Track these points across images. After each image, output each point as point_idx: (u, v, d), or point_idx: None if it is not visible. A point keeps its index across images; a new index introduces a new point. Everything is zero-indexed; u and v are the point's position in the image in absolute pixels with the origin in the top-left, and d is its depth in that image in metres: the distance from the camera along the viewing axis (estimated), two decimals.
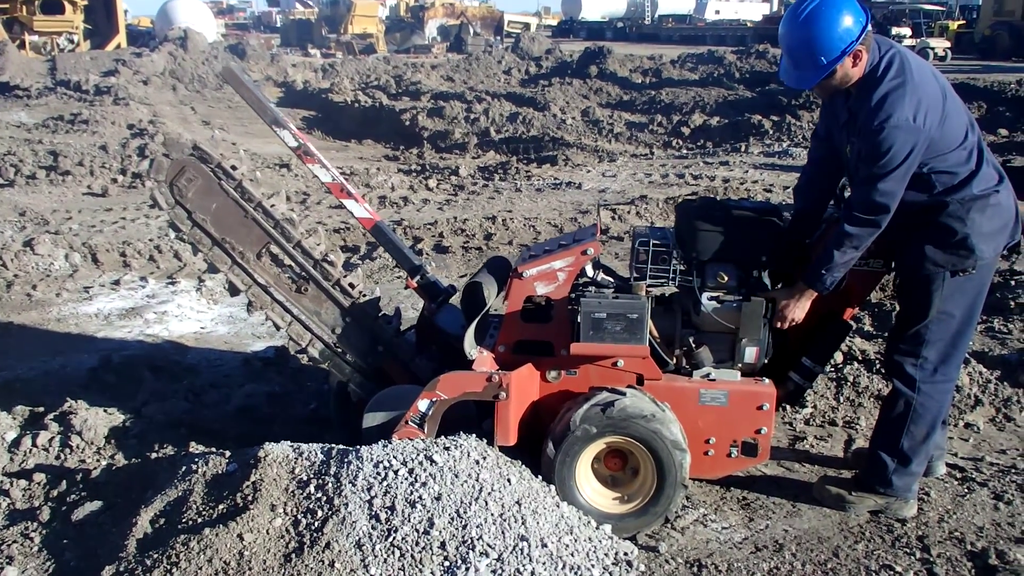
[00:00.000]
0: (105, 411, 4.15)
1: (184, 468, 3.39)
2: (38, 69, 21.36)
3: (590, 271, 3.68)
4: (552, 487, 3.36)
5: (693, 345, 3.62)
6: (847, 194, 3.66)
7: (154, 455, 3.81)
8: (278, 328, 3.79)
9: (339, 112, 18.19)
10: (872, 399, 4.65)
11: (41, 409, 4.22)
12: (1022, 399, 4.66)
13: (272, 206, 3.70)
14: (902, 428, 3.57)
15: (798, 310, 3.52)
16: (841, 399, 4.68)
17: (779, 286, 3.72)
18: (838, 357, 4.98)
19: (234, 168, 3.65)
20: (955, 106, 3.39)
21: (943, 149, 3.33)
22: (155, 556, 2.93)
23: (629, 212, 8.72)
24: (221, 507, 3.12)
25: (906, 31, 32.84)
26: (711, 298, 3.57)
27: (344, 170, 11.62)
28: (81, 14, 27.97)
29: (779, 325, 3.57)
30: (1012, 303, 6.04)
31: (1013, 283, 6.40)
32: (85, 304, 6.33)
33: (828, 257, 3.38)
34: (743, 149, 13.35)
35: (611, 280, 3.71)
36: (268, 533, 2.99)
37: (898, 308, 3.73)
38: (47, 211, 8.87)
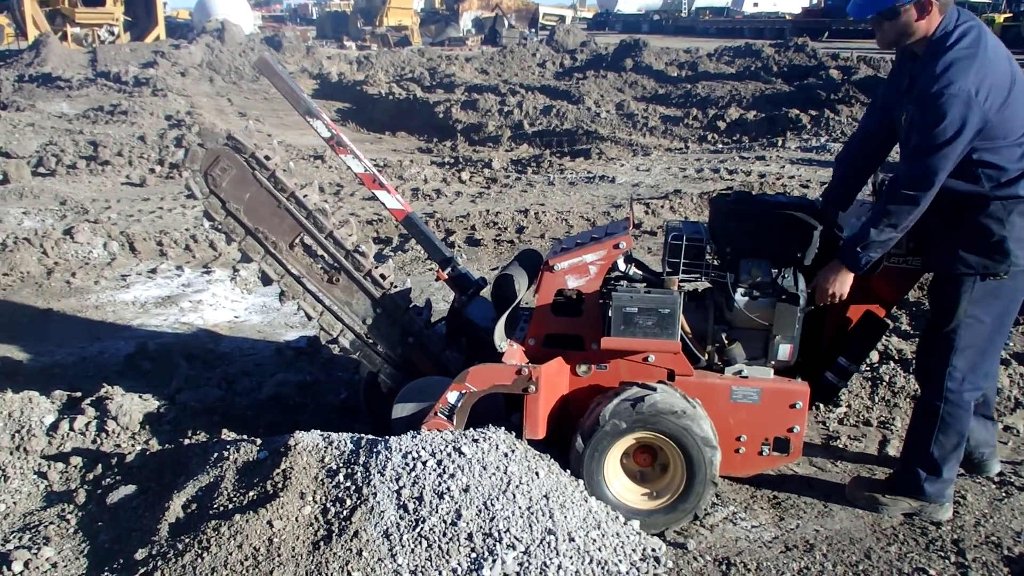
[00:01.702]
0: (140, 397, 4.21)
1: (216, 455, 3.43)
2: (79, 61, 21.64)
3: (622, 265, 3.66)
4: (580, 482, 3.35)
5: (725, 341, 3.59)
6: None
7: (187, 441, 3.86)
8: (310, 318, 3.82)
9: (373, 104, 18.25)
10: (908, 399, 4.59)
11: (79, 394, 4.29)
12: None
13: (305, 196, 3.73)
14: (931, 438, 3.52)
15: (837, 285, 3.45)
16: (876, 399, 4.62)
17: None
18: (874, 356, 4.93)
19: (268, 158, 3.68)
20: (1021, 97, 3.26)
21: (998, 137, 3.21)
22: (186, 540, 2.97)
23: (663, 206, 8.67)
24: (251, 494, 3.16)
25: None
26: (744, 294, 3.53)
27: (377, 162, 11.67)
28: (121, 6, 28.28)
29: (820, 302, 3.52)
30: None
31: None
32: (122, 292, 6.43)
33: (864, 234, 3.32)
34: (780, 144, 13.17)
35: (643, 274, 3.69)
36: (297, 520, 3.02)
37: (931, 312, 3.67)
38: (87, 200, 9.02)
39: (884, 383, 4.68)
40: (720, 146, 13.64)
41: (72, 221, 7.95)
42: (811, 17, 45.44)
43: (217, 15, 31.23)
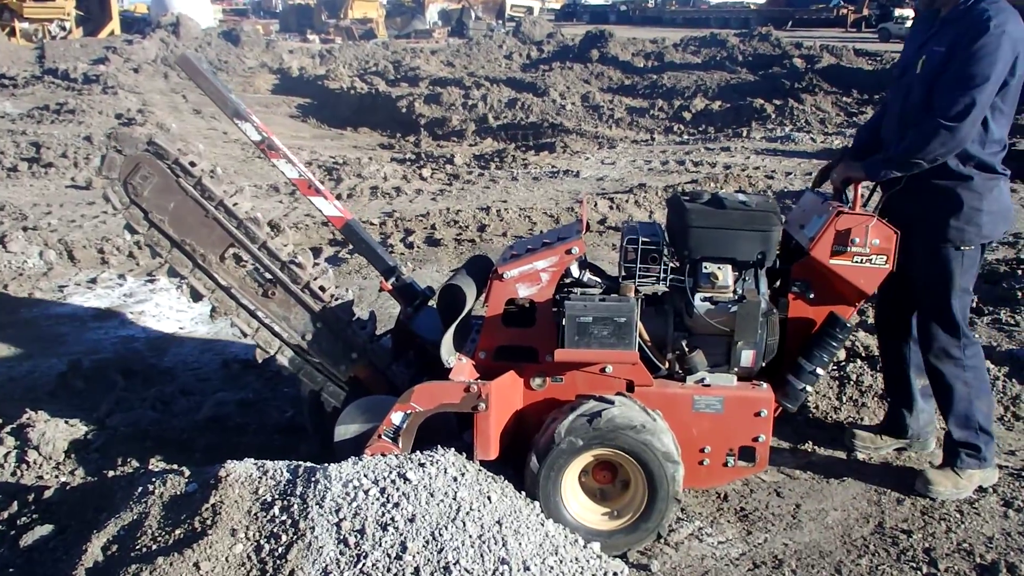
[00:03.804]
0: (67, 423, 3.95)
1: (140, 488, 3.17)
2: (26, 57, 21.08)
3: (576, 271, 3.46)
4: (536, 504, 3.15)
5: (686, 349, 3.40)
6: (850, 193, 3.59)
7: (112, 473, 3.61)
8: (245, 335, 3.59)
9: (335, 99, 17.95)
10: (876, 398, 4.46)
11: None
12: None
13: (235, 205, 3.49)
14: (971, 408, 3.62)
15: (851, 172, 3.58)
16: (844, 399, 4.48)
17: (775, 285, 3.56)
18: (840, 355, 4.78)
19: (193, 164, 3.44)
20: None
21: (1005, 102, 3.37)
22: None
23: (627, 201, 8.50)
24: (178, 532, 2.91)
25: (908, 12, 32.47)
26: (704, 299, 3.35)
27: (336, 159, 11.41)
28: (73, 0, 27.64)
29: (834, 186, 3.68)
30: (1020, 293, 5.86)
31: (1020, 272, 6.22)
32: (58, 304, 6.11)
33: (896, 154, 3.41)
34: (745, 134, 13.11)
35: (598, 280, 3.49)
36: (228, 561, 2.78)
37: (921, 295, 3.66)
38: (27, 205, 8.64)
39: (851, 382, 4.54)
40: (686, 137, 13.54)
41: (8, 228, 7.60)
42: (775, 6, 45.62)
43: (175, 9, 30.59)
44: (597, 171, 10.70)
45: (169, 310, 6.08)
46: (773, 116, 14.26)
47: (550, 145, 12.35)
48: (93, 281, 6.56)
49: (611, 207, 8.38)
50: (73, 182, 9.79)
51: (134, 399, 4.43)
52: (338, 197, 9.26)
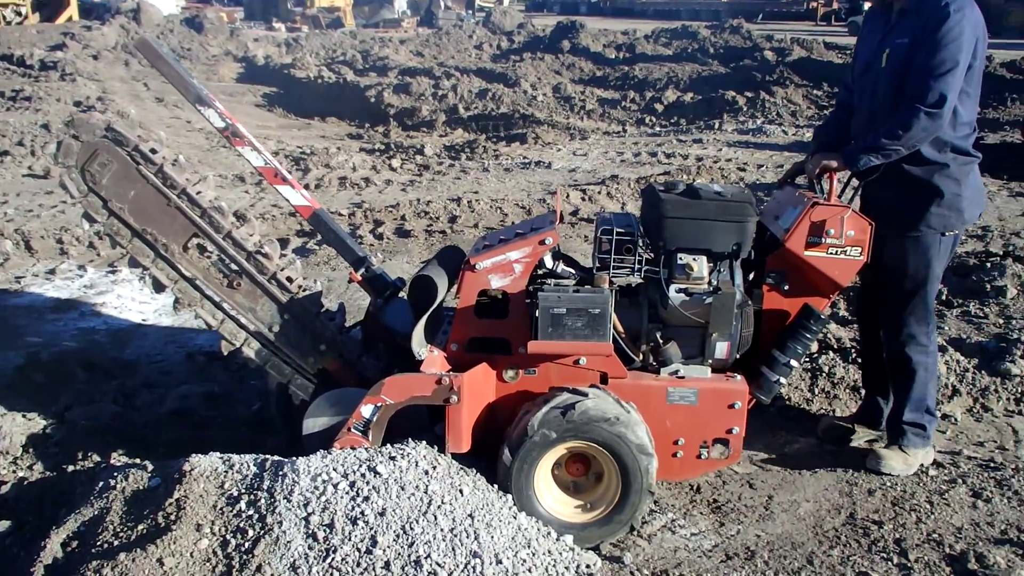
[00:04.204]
0: (24, 416, 3.87)
1: (101, 484, 3.10)
2: None
3: (549, 262, 3.43)
4: (509, 497, 3.13)
5: (660, 340, 3.40)
6: (825, 185, 3.57)
7: (72, 468, 3.53)
8: (210, 327, 3.52)
9: (302, 88, 17.70)
10: (849, 390, 4.50)
11: None
12: (999, 388, 4.51)
13: (199, 193, 3.43)
14: (925, 392, 3.75)
15: (828, 161, 3.56)
16: (816, 391, 4.52)
17: (749, 277, 3.55)
18: (813, 346, 4.80)
19: (154, 151, 3.37)
20: (984, 53, 3.51)
21: (970, 84, 3.44)
22: None
23: (600, 192, 8.49)
24: (141, 527, 2.85)
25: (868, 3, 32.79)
26: (679, 290, 3.34)
27: (304, 149, 11.28)
28: None
29: (809, 176, 3.69)
30: (988, 286, 5.93)
31: (989, 265, 6.28)
32: (16, 295, 5.97)
33: (875, 141, 3.42)
34: (717, 126, 13.15)
35: (572, 271, 3.47)
36: (192, 556, 2.73)
37: (895, 283, 3.69)
38: None
39: (824, 374, 4.57)
40: (658, 129, 13.55)
41: None
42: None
43: None
44: (569, 162, 10.68)
45: (131, 301, 5.96)
46: (745, 108, 14.32)
47: (521, 136, 12.30)
48: (52, 272, 6.42)
49: (583, 198, 8.36)
50: (30, 171, 9.58)
51: (95, 392, 4.34)
52: (306, 188, 9.12)
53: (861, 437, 4.07)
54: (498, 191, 8.98)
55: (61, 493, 3.27)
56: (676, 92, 15.89)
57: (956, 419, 4.31)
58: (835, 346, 4.87)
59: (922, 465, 3.84)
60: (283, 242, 7.23)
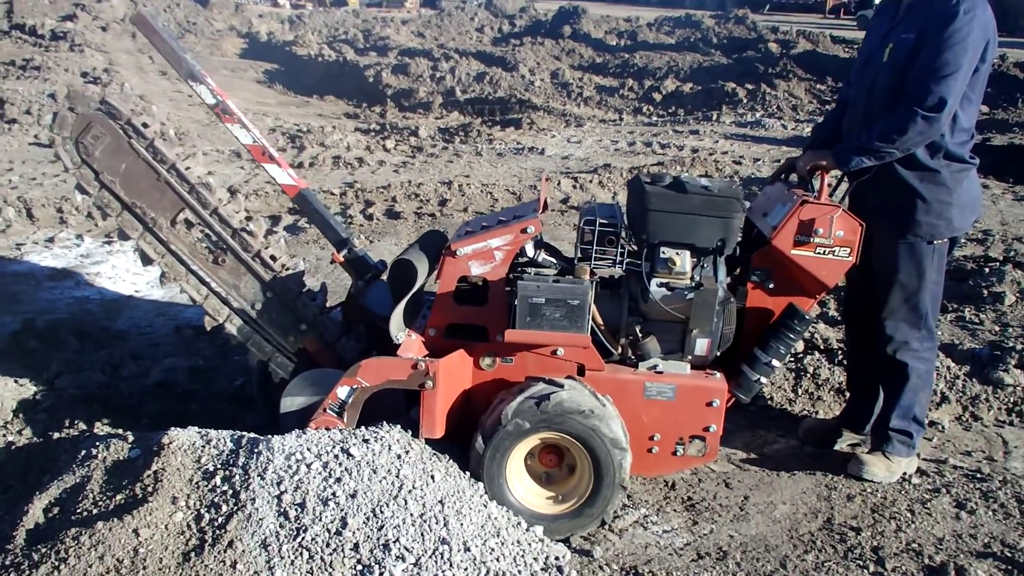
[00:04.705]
0: (16, 382, 3.90)
1: (84, 452, 3.12)
2: None
3: (531, 250, 3.42)
4: (480, 485, 3.15)
5: (640, 334, 3.40)
6: (816, 182, 3.53)
7: (57, 435, 3.55)
8: (194, 302, 3.53)
9: (302, 66, 17.66)
10: (833, 392, 4.46)
11: None
12: (991, 397, 4.44)
13: (187, 168, 3.43)
14: (914, 400, 3.69)
15: (819, 160, 3.53)
16: (800, 391, 4.49)
17: (734, 274, 3.54)
18: (799, 346, 4.79)
19: (146, 125, 3.37)
20: (991, 58, 3.42)
21: (974, 90, 3.36)
22: (43, 550, 2.67)
23: (591, 181, 8.47)
24: (119, 497, 2.87)
25: None
26: (661, 284, 3.34)
27: (300, 127, 11.24)
28: None
29: (800, 173, 3.66)
30: (985, 291, 5.84)
31: (987, 270, 6.20)
32: (15, 262, 6.01)
33: (868, 141, 3.35)
34: (715, 118, 13.11)
35: (553, 261, 3.46)
36: (167, 528, 2.75)
37: (886, 288, 3.62)
38: None
39: (808, 375, 4.54)
40: (655, 119, 13.51)
41: None
42: None
43: None
44: (562, 149, 10.66)
45: (125, 272, 6.00)
46: (744, 101, 14.26)
47: (516, 121, 12.26)
48: (51, 240, 6.48)
49: (575, 186, 8.35)
50: (36, 139, 9.60)
51: (84, 361, 4.36)
52: (300, 166, 9.15)
53: (844, 441, 4.03)
54: (490, 176, 8.97)
55: (46, 460, 3.29)
56: (675, 82, 15.84)
57: (944, 427, 4.25)
58: (821, 346, 4.82)
59: (905, 473, 3.78)
60: (275, 219, 7.24)
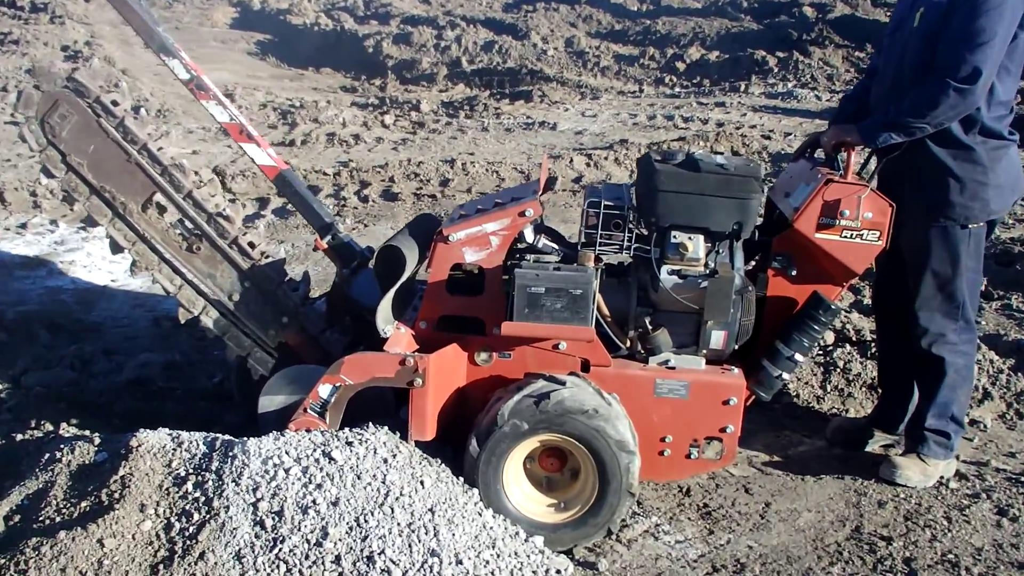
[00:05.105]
0: None
1: (48, 455, 3.13)
2: None
3: (530, 235, 3.39)
4: (475, 491, 3.12)
5: (650, 327, 3.36)
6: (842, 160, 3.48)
7: (21, 436, 3.55)
8: (168, 293, 3.53)
9: (297, 36, 17.66)
10: (865, 389, 4.41)
11: None
12: None
13: (160, 150, 3.43)
14: (952, 397, 3.64)
15: (844, 136, 3.49)
16: (828, 388, 4.44)
17: (753, 263, 3.50)
18: (829, 338, 4.74)
19: (116, 104, 3.38)
20: None
21: (1012, 61, 3.30)
22: (2, 561, 2.68)
23: (606, 158, 8.44)
24: (84, 504, 2.88)
25: None
26: (672, 272, 3.30)
27: (293, 102, 11.23)
28: None
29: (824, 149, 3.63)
30: None
31: None
32: None
33: (897, 116, 3.31)
34: (743, 89, 13.01)
35: (555, 247, 3.43)
36: (134, 538, 2.75)
37: (918, 276, 3.57)
38: None
39: (837, 370, 4.48)
40: (678, 90, 13.44)
41: None
42: None
43: None
44: (576, 124, 10.61)
45: (101, 260, 6.04)
46: (775, 70, 14.13)
47: (527, 94, 12.21)
48: (23, 226, 6.53)
49: (588, 164, 8.31)
50: (13, 118, 9.59)
51: (53, 357, 4.39)
52: (291, 144, 9.14)
53: (875, 442, 3.99)
54: (496, 153, 8.95)
55: (9, 463, 3.28)
56: (701, 50, 15.71)
57: (986, 426, 4.21)
58: (853, 338, 4.76)
59: (942, 477, 3.72)
60: (263, 202, 7.26)
